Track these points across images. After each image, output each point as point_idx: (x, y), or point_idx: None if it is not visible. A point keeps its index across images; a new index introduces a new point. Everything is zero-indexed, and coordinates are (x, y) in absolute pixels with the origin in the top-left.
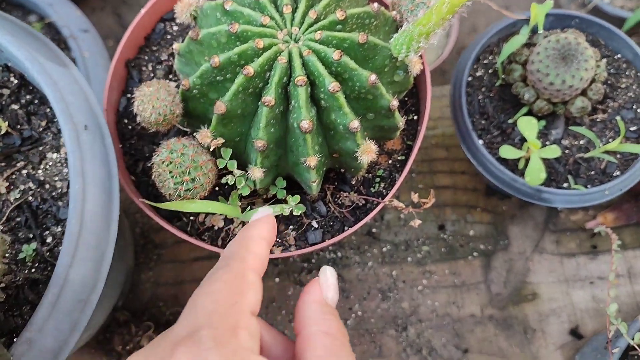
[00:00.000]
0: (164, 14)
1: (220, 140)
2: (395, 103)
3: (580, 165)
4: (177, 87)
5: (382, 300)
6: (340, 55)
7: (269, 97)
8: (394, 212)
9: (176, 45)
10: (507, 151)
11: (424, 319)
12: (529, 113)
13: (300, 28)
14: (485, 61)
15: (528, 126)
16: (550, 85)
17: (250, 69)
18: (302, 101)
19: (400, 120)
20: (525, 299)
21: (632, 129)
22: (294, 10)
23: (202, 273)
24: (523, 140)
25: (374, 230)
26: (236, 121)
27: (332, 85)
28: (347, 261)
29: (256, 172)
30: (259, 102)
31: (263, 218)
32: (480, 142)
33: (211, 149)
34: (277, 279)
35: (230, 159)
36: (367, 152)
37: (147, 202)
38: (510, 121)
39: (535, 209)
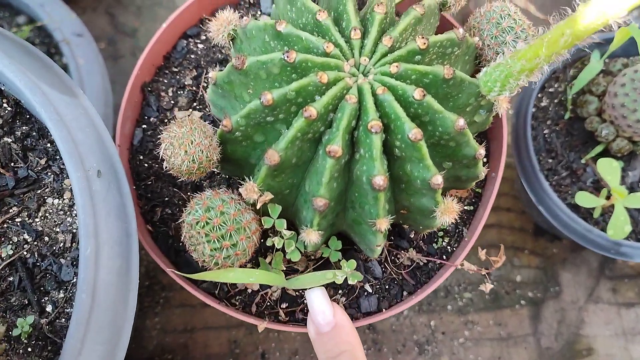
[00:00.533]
0: (187, 29)
1: (269, 196)
2: (482, 152)
3: None
4: (205, 118)
5: (418, 354)
6: (423, 95)
7: (335, 146)
8: None
9: (213, 74)
10: (584, 199)
11: None
12: (604, 152)
13: (370, 58)
14: (551, 89)
15: (609, 170)
16: (637, 122)
17: (313, 110)
18: (376, 152)
19: (482, 171)
20: (580, 355)
21: None
22: (364, 36)
23: (214, 319)
24: (596, 183)
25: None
26: (288, 172)
27: (413, 132)
28: None
29: (312, 235)
30: (321, 151)
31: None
32: (548, 184)
33: (257, 207)
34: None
35: (277, 219)
36: (448, 212)
37: (177, 272)
38: (582, 161)
39: (590, 252)
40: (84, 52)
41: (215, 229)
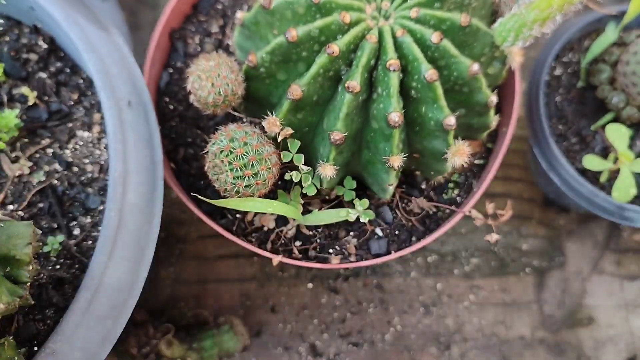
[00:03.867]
0: None
1: (290, 131)
2: (494, 99)
3: None
4: (238, 64)
5: (424, 314)
6: (441, 38)
7: (354, 81)
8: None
9: (240, 14)
10: (592, 162)
11: (469, 338)
12: (615, 120)
13: (392, 3)
14: (565, 59)
15: (618, 135)
16: None
17: (335, 48)
18: (393, 89)
19: (494, 119)
20: (581, 323)
21: None
22: None
23: (227, 272)
24: (605, 150)
25: None
26: (309, 109)
27: (429, 72)
28: (388, 269)
29: (327, 170)
30: (340, 88)
31: None
32: (558, 149)
33: (278, 140)
34: (310, 285)
35: (296, 154)
36: (459, 153)
37: (199, 197)
38: (592, 128)
39: (596, 225)
40: (109, 17)
41: (238, 157)
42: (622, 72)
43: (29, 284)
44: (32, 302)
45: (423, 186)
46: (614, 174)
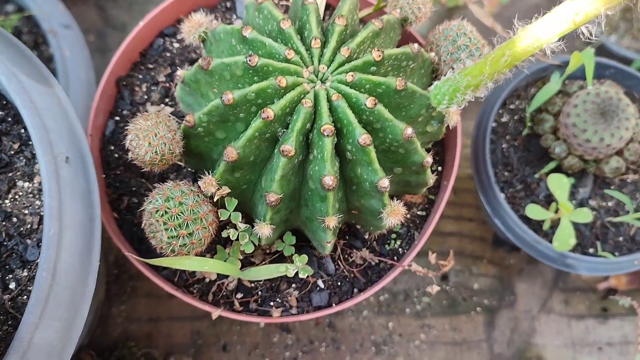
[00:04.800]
0: (164, 28)
1: (226, 190)
2: (429, 160)
3: (608, 230)
4: (179, 119)
5: (375, 354)
6: (375, 103)
7: (289, 146)
8: None
9: (180, 72)
10: (534, 211)
11: None
12: (557, 168)
13: (329, 67)
14: (512, 106)
15: (559, 185)
16: (586, 142)
17: (270, 112)
18: (327, 154)
19: (431, 178)
20: None
21: None
22: (324, 45)
23: (179, 310)
24: (548, 197)
25: None
26: (247, 168)
27: (363, 137)
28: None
29: (264, 229)
30: (276, 150)
31: None
32: (502, 195)
33: (214, 199)
34: (262, 324)
35: (234, 211)
36: (394, 214)
37: (135, 257)
38: (536, 176)
39: (544, 264)
40: (71, 44)
41: (173, 218)
42: (564, 123)
43: None
44: None
45: (366, 237)
46: (556, 222)
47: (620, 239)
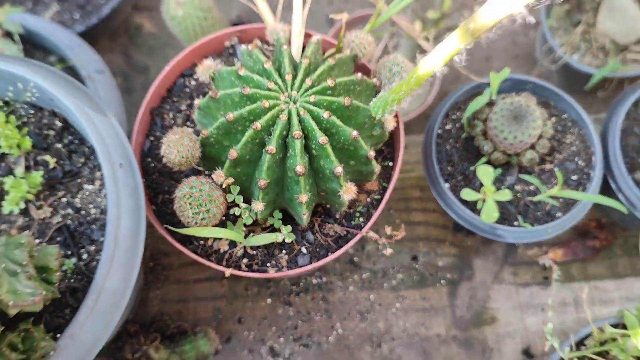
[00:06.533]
0: (183, 70)
1: (231, 180)
2: (372, 153)
3: (529, 207)
4: (197, 134)
5: (360, 320)
6: (329, 115)
7: (271, 146)
8: (373, 244)
9: (197, 101)
10: (468, 194)
11: (396, 337)
12: (488, 162)
13: (298, 92)
14: (454, 116)
15: (485, 174)
16: (504, 139)
17: (257, 124)
18: (298, 150)
19: (377, 167)
20: (485, 322)
21: (573, 177)
22: (294, 77)
23: (203, 292)
24: (482, 185)
25: (355, 259)
26: (244, 164)
27: (321, 138)
28: (331, 286)
29: (258, 205)
30: (263, 150)
31: None
32: (447, 185)
33: (223, 187)
34: (269, 300)
35: (237, 195)
36: (348, 192)
37: (169, 227)
38: (471, 169)
39: (496, 245)
40: (104, 86)
41: (195, 200)
42: (489, 126)
43: (56, 284)
44: (59, 296)
45: (337, 216)
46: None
47: (538, 213)
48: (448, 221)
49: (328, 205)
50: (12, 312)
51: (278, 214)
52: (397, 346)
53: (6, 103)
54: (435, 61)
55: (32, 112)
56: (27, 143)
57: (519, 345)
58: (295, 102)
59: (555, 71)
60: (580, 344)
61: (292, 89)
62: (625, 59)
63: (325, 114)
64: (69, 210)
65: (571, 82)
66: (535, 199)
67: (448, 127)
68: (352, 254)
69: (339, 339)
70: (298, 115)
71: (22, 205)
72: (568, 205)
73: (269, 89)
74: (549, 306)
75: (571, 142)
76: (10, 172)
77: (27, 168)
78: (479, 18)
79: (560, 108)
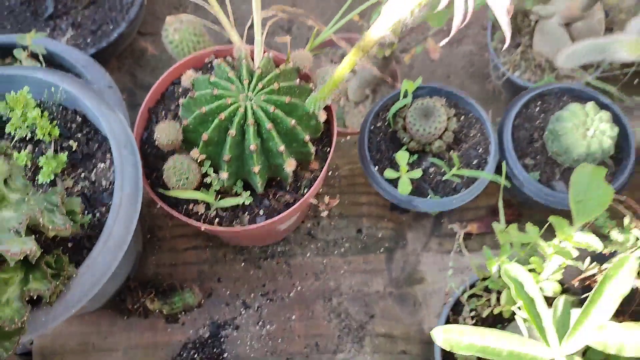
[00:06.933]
0: (174, 80)
1: (203, 156)
2: (307, 138)
3: (439, 185)
4: (179, 124)
5: (315, 280)
6: (274, 109)
7: (232, 131)
8: (327, 220)
9: (181, 100)
10: (389, 173)
11: (344, 293)
12: (407, 150)
13: (253, 92)
14: (384, 116)
15: (402, 157)
16: (417, 131)
17: (222, 115)
18: (251, 134)
19: (312, 148)
20: (416, 282)
21: (474, 162)
22: (250, 82)
23: (190, 258)
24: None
25: (312, 232)
26: (213, 145)
27: (268, 125)
28: (293, 252)
29: (224, 175)
30: (227, 134)
31: None
32: (376, 168)
33: (198, 161)
34: (242, 264)
35: (209, 167)
36: (290, 165)
37: (161, 191)
38: (395, 155)
39: (426, 220)
40: (113, 99)
41: (178, 170)
42: (407, 121)
43: (79, 224)
44: (80, 231)
45: (288, 188)
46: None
47: (447, 189)
48: (386, 202)
49: (279, 179)
50: (51, 234)
51: (240, 183)
52: (344, 300)
53: (41, 103)
54: (340, 71)
55: (60, 110)
56: (56, 132)
57: (443, 299)
58: (250, 100)
59: (502, 85)
60: (472, 286)
61: (248, 91)
62: (559, 75)
63: (271, 109)
64: (86, 183)
65: (515, 94)
66: (445, 177)
67: (379, 124)
68: (309, 228)
69: (298, 294)
70: (252, 109)
71: (52, 177)
72: (469, 183)
73: (231, 91)
74: (451, 258)
75: (474, 135)
76: (43, 153)
77: (55, 151)
78: (366, 39)
79: (467, 108)
